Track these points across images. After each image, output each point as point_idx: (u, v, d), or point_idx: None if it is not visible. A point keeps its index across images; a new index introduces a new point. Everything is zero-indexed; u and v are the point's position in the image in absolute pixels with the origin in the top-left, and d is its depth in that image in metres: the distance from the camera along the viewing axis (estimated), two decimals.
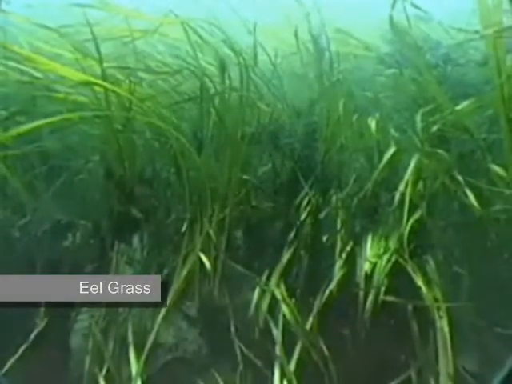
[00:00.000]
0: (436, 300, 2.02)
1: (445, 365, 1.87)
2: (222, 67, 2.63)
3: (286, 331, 2.09)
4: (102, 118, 2.52)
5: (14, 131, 2.06)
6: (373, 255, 2.24)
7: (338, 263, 2.29)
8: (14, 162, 2.38)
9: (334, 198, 2.54)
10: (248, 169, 2.64)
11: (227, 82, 2.61)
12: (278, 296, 2.17)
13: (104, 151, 2.58)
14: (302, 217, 2.50)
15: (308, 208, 2.51)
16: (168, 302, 2.18)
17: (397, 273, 2.16)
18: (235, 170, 2.51)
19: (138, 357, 2.05)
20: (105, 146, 2.56)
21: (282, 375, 1.94)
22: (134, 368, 2.01)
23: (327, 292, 2.18)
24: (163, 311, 2.16)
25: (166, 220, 2.57)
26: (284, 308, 2.13)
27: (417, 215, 2.26)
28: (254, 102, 2.69)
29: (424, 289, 2.05)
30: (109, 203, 2.52)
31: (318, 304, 2.15)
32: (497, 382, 1.31)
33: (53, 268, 2.31)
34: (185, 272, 2.30)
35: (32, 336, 2.14)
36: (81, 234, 2.56)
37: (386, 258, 2.20)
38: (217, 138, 2.56)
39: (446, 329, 1.93)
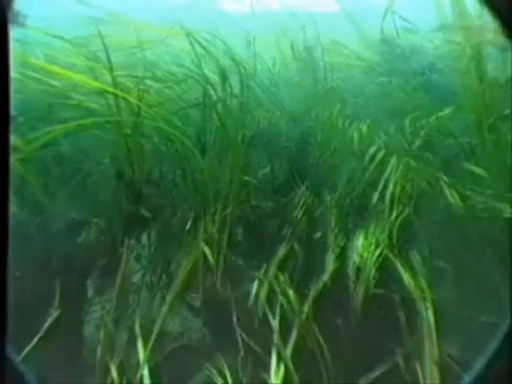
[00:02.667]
0: (422, 291, 2.03)
1: (430, 352, 1.87)
2: (224, 76, 2.64)
3: (283, 320, 2.10)
4: (113, 124, 2.52)
5: (31, 136, 2.07)
6: (363, 250, 2.25)
7: (331, 257, 2.30)
8: (31, 164, 2.38)
9: (327, 198, 2.55)
10: (248, 170, 2.64)
11: (228, 89, 2.62)
12: (276, 288, 2.18)
13: (115, 154, 2.58)
14: (298, 215, 2.50)
15: (304, 207, 2.52)
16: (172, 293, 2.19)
17: (386, 266, 2.17)
18: (236, 171, 2.51)
19: (145, 345, 2.04)
20: (115, 149, 2.57)
21: (279, 360, 1.94)
22: (141, 356, 2.01)
23: (321, 284, 2.19)
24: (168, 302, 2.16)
25: (172, 218, 2.57)
26: (281, 299, 2.14)
27: (405, 213, 2.27)
28: (253, 109, 2.70)
29: (411, 281, 2.06)
30: (119, 203, 2.52)
31: (313, 295, 2.15)
32: (479, 367, 1.32)
33: (67, 263, 2.31)
34: (189, 266, 2.31)
35: (47, 325, 2.14)
36: (93, 232, 2.55)
37: (375, 252, 2.21)
38: (219, 142, 2.57)
39: (432, 318, 1.94)
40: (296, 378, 1.87)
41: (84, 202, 2.52)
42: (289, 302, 2.12)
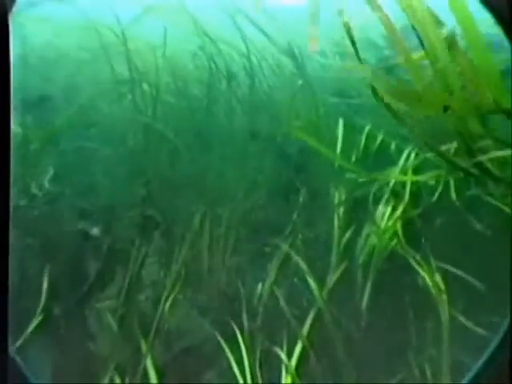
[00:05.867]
0: (439, 290, 1.92)
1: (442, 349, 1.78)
2: (230, 76, 2.62)
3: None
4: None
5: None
6: (370, 244, 2.17)
7: (337, 253, 2.22)
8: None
9: (332, 194, 2.47)
10: (252, 169, 2.58)
11: (234, 89, 2.59)
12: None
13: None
14: (302, 212, 2.42)
15: (308, 203, 2.44)
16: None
17: (395, 262, 2.09)
18: (241, 171, 2.48)
19: (146, 341, 2.00)
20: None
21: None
22: (144, 349, 1.96)
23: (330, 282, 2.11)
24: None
25: (179, 218, 2.51)
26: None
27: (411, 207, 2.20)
28: (257, 108, 2.65)
29: (425, 277, 1.96)
30: (129, 203, 2.46)
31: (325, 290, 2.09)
32: (476, 368, 1.26)
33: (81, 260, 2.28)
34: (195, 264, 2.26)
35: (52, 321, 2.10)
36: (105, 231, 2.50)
37: (383, 246, 2.13)
38: (224, 143, 2.52)
39: (446, 315, 1.84)
40: None
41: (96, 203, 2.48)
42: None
